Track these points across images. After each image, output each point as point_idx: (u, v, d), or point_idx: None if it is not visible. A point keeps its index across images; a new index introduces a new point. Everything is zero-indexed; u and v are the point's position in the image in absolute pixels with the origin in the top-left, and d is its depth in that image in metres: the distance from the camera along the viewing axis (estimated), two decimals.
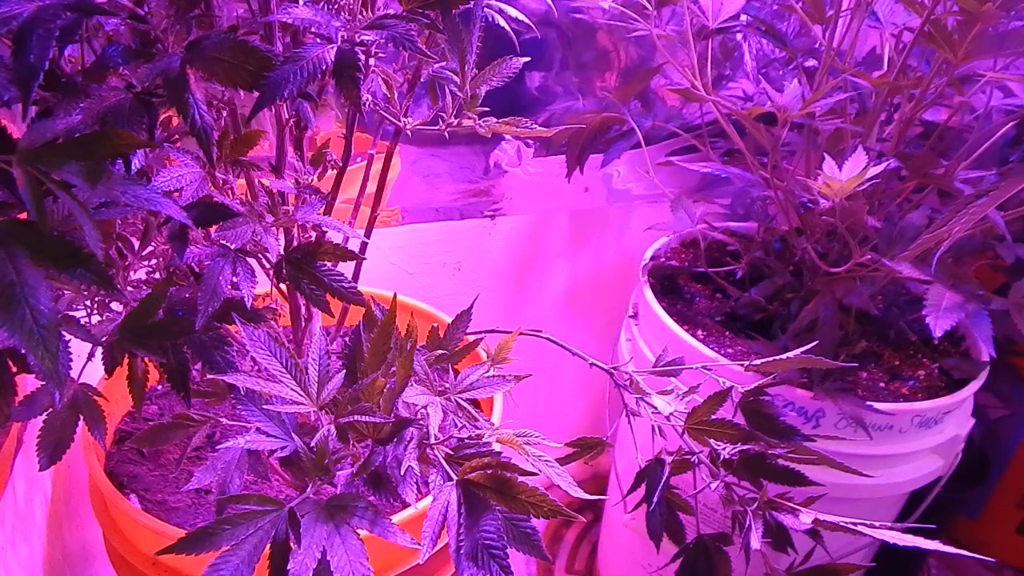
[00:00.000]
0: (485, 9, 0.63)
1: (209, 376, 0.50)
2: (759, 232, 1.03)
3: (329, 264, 0.51)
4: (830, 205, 0.81)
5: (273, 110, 0.48)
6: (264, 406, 0.45)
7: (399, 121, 0.48)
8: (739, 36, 1.05)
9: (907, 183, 0.92)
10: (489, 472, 0.46)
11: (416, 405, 0.48)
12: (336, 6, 0.44)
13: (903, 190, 0.92)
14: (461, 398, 0.52)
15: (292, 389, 0.46)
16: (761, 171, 0.95)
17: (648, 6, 0.91)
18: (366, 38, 0.41)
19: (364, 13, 0.44)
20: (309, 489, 0.45)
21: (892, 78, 0.87)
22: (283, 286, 0.57)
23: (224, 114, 0.51)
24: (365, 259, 0.57)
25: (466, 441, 0.49)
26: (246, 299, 0.47)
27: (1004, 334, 0.83)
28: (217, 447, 0.51)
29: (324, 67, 0.40)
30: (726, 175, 1.00)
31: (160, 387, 0.84)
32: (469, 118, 0.50)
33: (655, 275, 1.09)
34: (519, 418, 0.65)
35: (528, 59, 0.57)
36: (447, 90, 0.50)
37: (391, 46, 0.42)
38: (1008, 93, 0.93)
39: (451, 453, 0.48)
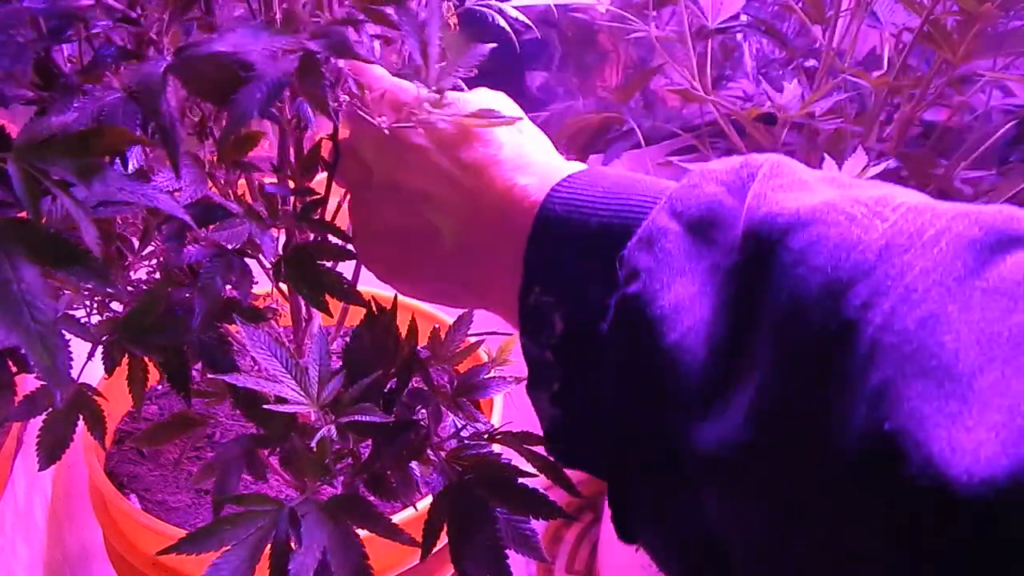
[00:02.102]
0: (485, 9, 0.63)
1: (209, 376, 0.50)
2: None
3: (329, 264, 0.51)
4: None
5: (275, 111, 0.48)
6: (264, 407, 0.45)
7: (374, 120, 0.48)
8: (739, 36, 1.05)
9: (907, 183, 0.92)
10: (489, 474, 0.46)
11: (417, 406, 0.48)
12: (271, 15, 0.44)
13: None
14: (461, 399, 0.52)
15: (293, 389, 0.46)
16: None
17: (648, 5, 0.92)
18: (313, 47, 0.40)
19: (319, 15, 0.44)
20: (309, 489, 0.45)
21: (892, 78, 0.87)
22: (283, 286, 0.57)
23: (225, 115, 0.51)
24: None
25: (466, 442, 0.49)
26: (243, 300, 0.47)
27: None
28: (215, 447, 0.51)
29: (287, 75, 0.39)
30: None
31: (160, 387, 0.84)
32: (435, 114, 0.50)
33: None
34: (519, 419, 0.65)
35: (520, 56, 0.57)
36: (415, 85, 0.49)
37: (331, 52, 0.41)
38: (1008, 93, 0.93)
39: (451, 454, 0.48)
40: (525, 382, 0.51)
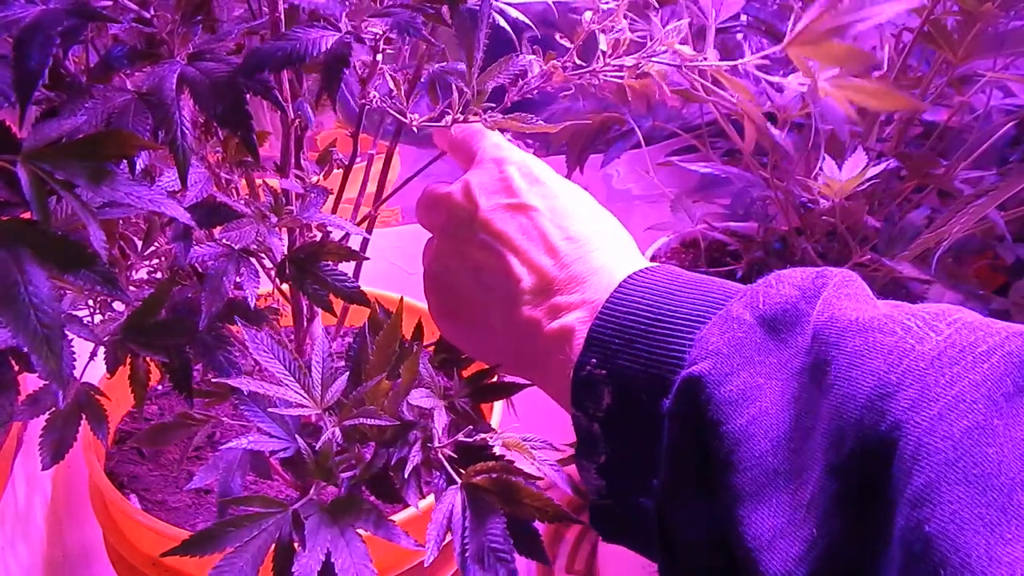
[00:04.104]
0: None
1: (213, 379, 0.49)
2: (759, 232, 1.03)
3: (332, 264, 0.51)
4: (830, 205, 0.81)
5: (277, 112, 0.48)
6: (269, 409, 0.45)
7: (404, 118, 0.48)
8: (739, 36, 1.05)
9: (907, 183, 0.92)
10: (494, 476, 0.46)
11: (421, 407, 0.48)
12: None
13: (903, 190, 0.92)
14: (464, 402, 0.51)
15: (296, 392, 0.46)
16: (761, 171, 0.95)
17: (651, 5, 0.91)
18: (374, 30, 0.41)
19: (374, 4, 0.45)
20: (312, 491, 0.45)
21: (892, 78, 0.87)
22: (285, 286, 0.57)
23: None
24: (368, 259, 0.57)
25: (470, 444, 0.49)
26: (250, 300, 0.47)
27: None
28: (218, 447, 0.51)
29: (316, 52, 0.40)
30: (726, 175, 1.00)
31: (160, 387, 0.84)
32: (475, 114, 0.50)
33: None
34: (519, 419, 0.65)
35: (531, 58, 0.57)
36: (453, 86, 0.50)
37: (395, 33, 0.42)
38: (1008, 93, 0.93)
39: (454, 456, 0.48)
40: (527, 389, 0.52)
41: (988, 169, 0.88)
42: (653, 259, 1.10)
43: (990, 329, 0.33)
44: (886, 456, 0.31)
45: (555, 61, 0.56)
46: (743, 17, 0.96)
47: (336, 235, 0.56)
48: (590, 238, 0.48)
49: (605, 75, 0.59)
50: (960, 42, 0.80)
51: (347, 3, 0.41)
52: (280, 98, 0.42)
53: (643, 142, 1.05)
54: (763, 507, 0.35)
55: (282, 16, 0.45)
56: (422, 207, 0.56)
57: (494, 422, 0.75)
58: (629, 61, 0.59)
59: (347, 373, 0.48)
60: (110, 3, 0.37)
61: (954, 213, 0.78)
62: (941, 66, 0.85)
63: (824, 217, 0.90)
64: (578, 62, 0.59)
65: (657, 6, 0.90)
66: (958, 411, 0.30)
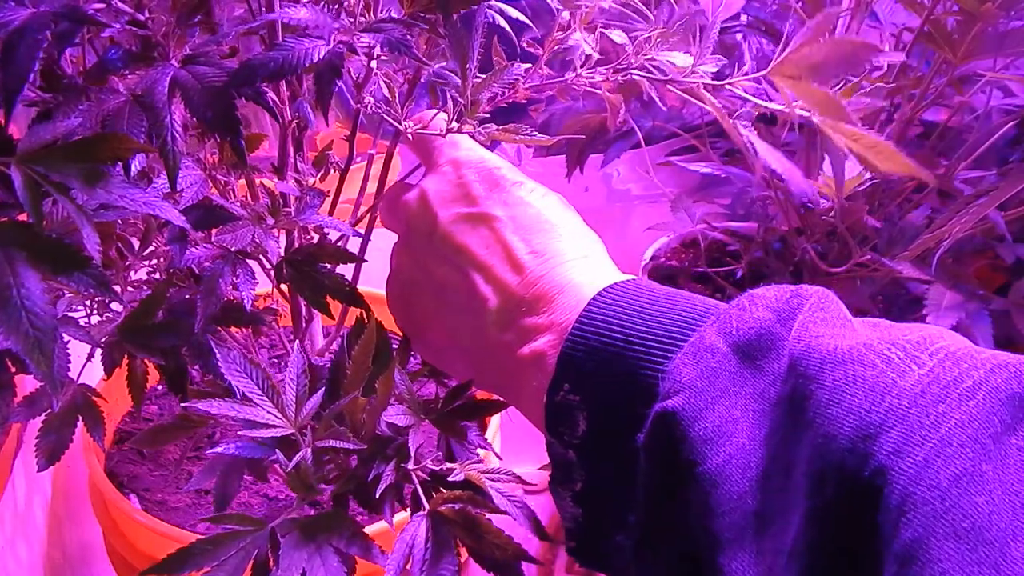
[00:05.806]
0: (486, 9, 0.63)
1: (196, 389, 0.49)
2: (759, 232, 1.03)
3: (330, 266, 0.51)
4: (830, 205, 0.80)
5: (276, 112, 0.49)
6: (239, 432, 0.45)
7: (399, 124, 0.48)
8: (739, 36, 1.05)
9: (907, 183, 0.92)
10: (458, 508, 0.45)
11: (399, 424, 0.47)
12: (337, 8, 0.44)
13: (903, 190, 0.92)
14: (453, 416, 0.51)
15: (268, 411, 0.45)
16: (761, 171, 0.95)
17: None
18: (364, 41, 0.41)
19: (366, 16, 0.44)
20: (295, 507, 0.44)
21: (892, 78, 0.87)
22: (284, 287, 0.57)
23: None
24: (366, 261, 0.57)
25: (441, 469, 0.48)
26: (246, 302, 0.47)
27: (1004, 334, 0.83)
28: (212, 449, 0.51)
29: (308, 63, 0.40)
30: (726, 175, 1.00)
31: (160, 387, 0.84)
32: (469, 124, 0.50)
33: (655, 275, 1.08)
34: (517, 431, 0.65)
35: (529, 65, 0.57)
36: (448, 95, 0.50)
37: (387, 50, 0.42)
38: (1008, 93, 0.93)
39: (427, 479, 0.47)
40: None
41: (988, 169, 0.88)
42: (653, 259, 1.10)
43: (974, 361, 0.32)
44: (871, 504, 0.30)
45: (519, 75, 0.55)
46: (743, 17, 0.96)
47: (333, 236, 0.56)
48: (556, 251, 0.46)
49: (582, 86, 0.58)
50: (960, 42, 0.80)
51: (340, 21, 0.41)
52: (275, 101, 0.42)
53: (643, 142, 1.05)
54: (744, 555, 0.34)
55: (279, 19, 0.45)
56: (384, 210, 0.54)
57: (491, 428, 0.75)
58: (599, 78, 0.58)
59: (323, 390, 0.47)
60: (103, 5, 0.37)
61: (954, 213, 0.78)
62: (941, 66, 0.85)
63: (824, 217, 0.90)
64: (546, 71, 0.57)
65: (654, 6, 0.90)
66: (945, 456, 0.29)
